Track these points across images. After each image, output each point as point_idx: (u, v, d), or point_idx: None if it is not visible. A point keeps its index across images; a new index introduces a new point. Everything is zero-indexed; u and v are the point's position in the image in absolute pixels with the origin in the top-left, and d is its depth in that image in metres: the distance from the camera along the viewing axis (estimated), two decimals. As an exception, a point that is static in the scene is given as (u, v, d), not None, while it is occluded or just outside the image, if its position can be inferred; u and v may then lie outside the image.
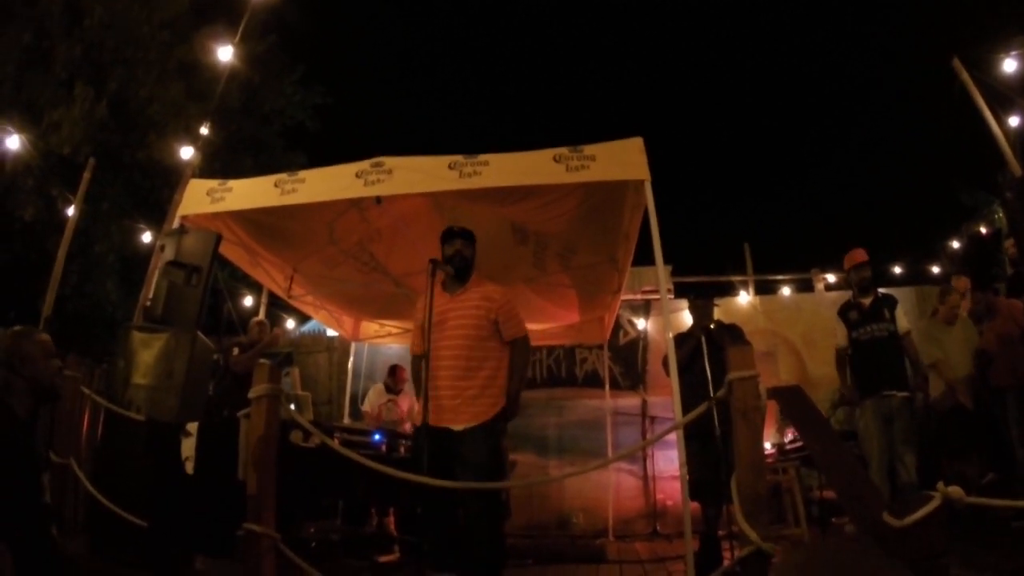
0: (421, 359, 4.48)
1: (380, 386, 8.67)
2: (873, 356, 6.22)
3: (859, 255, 6.53)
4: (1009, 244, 7.67)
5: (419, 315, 4.72)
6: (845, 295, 6.99)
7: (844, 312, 6.56)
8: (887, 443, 5.96)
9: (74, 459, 5.24)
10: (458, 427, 4.31)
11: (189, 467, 5.42)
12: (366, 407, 8.43)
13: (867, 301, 6.44)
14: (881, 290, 6.73)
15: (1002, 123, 8.72)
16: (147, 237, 11.80)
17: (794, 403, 3.53)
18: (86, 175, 10.01)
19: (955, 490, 2.71)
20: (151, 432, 5.15)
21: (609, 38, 39.86)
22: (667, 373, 5.30)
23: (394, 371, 8.70)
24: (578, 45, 40.38)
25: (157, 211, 12.10)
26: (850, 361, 6.43)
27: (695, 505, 5.44)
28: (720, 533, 5.67)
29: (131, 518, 4.69)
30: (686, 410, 4.72)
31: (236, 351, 7.48)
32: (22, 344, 3.05)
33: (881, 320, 6.30)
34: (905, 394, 6.07)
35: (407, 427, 7.77)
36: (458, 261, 4.69)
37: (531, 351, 4.67)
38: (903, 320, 6.35)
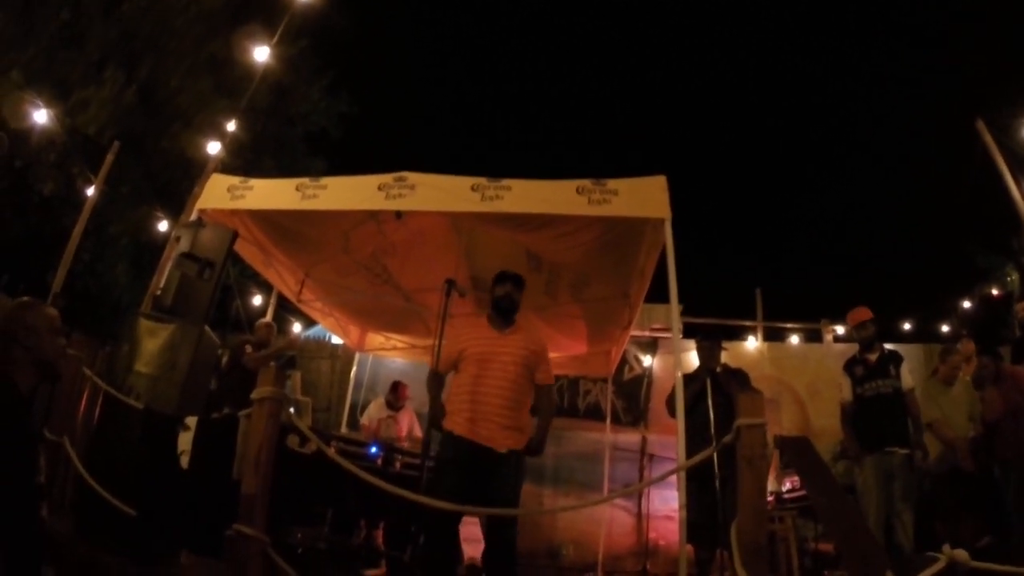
0: (441, 376, 4.87)
1: (381, 400, 8.58)
2: (876, 412, 6.16)
3: (862, 314, 6.52)
4: (1021, 307, 7.63)
5: (453, 346, 4.88)
6: (853, 348, 6.94)
7: (850, 367, 6.52)
8: (885, 500, 5.90)
9: (68, 438, 5.19)
10: (501, 449, 4.49)
11: (184, 461, 5.39)
12: (365, 420, 8.34)
13: (873, 357, 6.40)
14: (887, 346, 6.69)
15: (1021, 187, 8.71)
16: (162, 226, 11.84)
17: (800, 453, 3.48)
18: (109, 157, 10.08)
19: (960, 553, 2.68)
20: (148, 422, 5.13)
21: (641, 74, 40.07)
22: (671, 413, 5.27)
23: (396, 387, 8.60)
24: (611, 77, 40.59)
25: (175, 201, 12.14)
26: (853, 416, 6.37)
27: (689, 548, 5.38)
28: (712, 577, 5.62)
29: (120, 505, 4.65)
30: (687, 452, 4.70)
31: (249, 348, 7.45)
32: (28, 316, 2.94)
33: (886, 376, 6.25)
34: (907, 451, 6.00)
35: (404, 445, 7.71)
36: (507, 303, 4.88)
37: (552, 397, 5.00)
38: (908, 377, 6.31)
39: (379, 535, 7.04)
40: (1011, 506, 6.27)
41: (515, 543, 4.61)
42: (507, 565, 4.52)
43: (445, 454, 4.61)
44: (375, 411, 8.41)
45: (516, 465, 4.58)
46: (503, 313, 4.87)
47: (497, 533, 4.52)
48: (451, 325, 5.13)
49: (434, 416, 4.69)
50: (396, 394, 8.51)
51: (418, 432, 8.25)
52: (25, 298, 3.07)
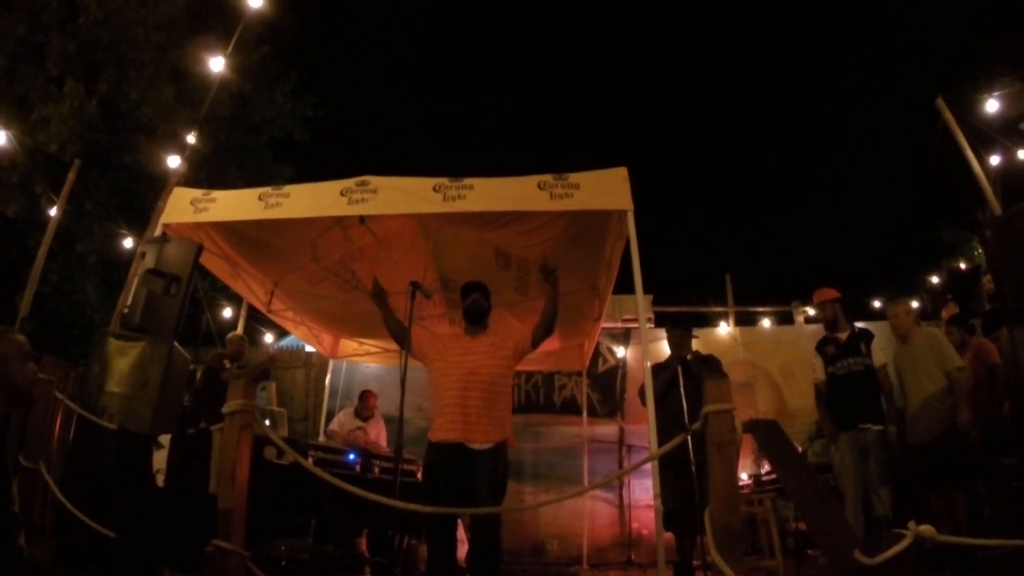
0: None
1: (350, 411, 8.50)
2: (849, 390, 6.22)
3: (824, 293, 6.60)
4: (987, 280, 7.75)
5: (436, 345, 5.01)
6: (824, 329, 7.02)
7: (821, 347, 6.59)
8: (862, 477, 5.95)
9: (44, 464, 5.15)
10: (477, 446, 4.56)
11: (160, 479, 5.37)
12: (335, 427, 8.24)
13: (843, 336, 6.46)
14: (858, 324, 6.77)
15: (983, 162, 8.85)
16: (129, 241, 11.72)
17: (769, 437, 3.52)
18: (71, 175, 9.95)
19: (927, 528, 2.71)
20: (123, 442, 5.10)
21: (598, 65, 40.13)
22: (643, 403, 5.32)
23: (364, 397, 8.54)
24: (567, 70, 40.60)
25: (141, 215, 12.02)
26: (827, 395, 6.44)
27: (669, 535, 5.43)
28: (694, 563, 5.67)
29: (98, 528, 4.63)
30: (661, 440, 4.74)
31: (228, 363, 7.41)
32: None
33: (857, 354, 6.31)
34: (880, 428, 6.05)
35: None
36: (475, 309, 4.97)
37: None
38: (879, 354, 6.35)
39: (362, 542, 7.05)
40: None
41: (499, 541, 4.64)
42: (490, 564, 4.54)
43: (427, 460, 4.70)
44: (345, 420, 8.33)
45: (494, 461, 4.61)
46: (473, 319, 4.97)
47: (479, 532, 4.56)
48: (429, 328, 5.19)
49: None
50: (364, 403, 8.45)
51: (384, 443, 8.23)
52: None
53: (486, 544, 4.54)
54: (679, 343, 6.18)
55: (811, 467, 5.81)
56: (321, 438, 7.79)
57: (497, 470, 4.61)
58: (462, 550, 4.94)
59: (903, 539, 2.71)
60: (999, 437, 6.59)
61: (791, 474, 3.41)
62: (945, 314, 7.68)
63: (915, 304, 7.21)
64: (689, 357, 6.08)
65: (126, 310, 6.19)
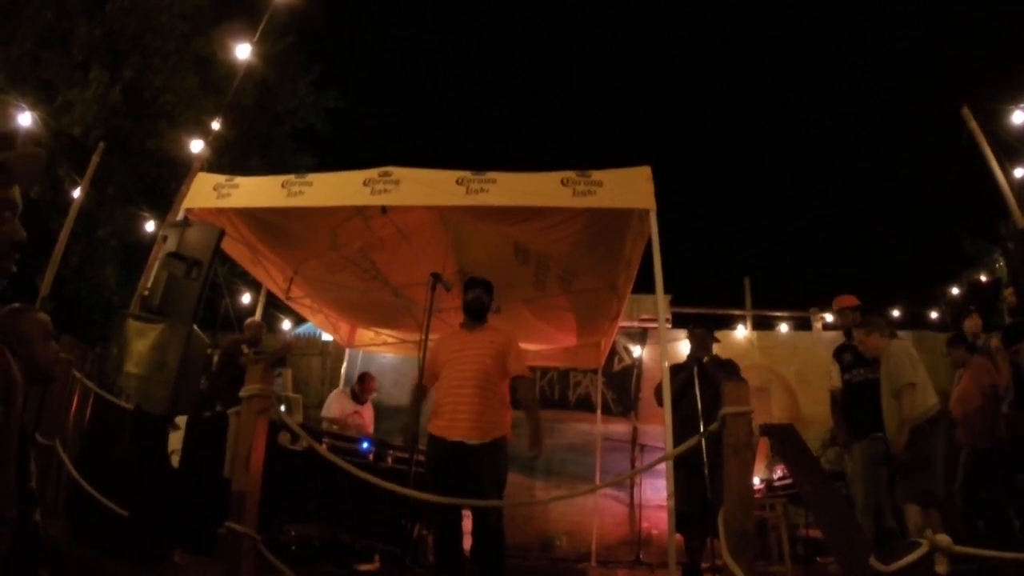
0: (425, 389, 5.10)
1: (342, 392, 8.49)
2: (864, 399, 6.15)
3: (845, 300, 6.59)
4: (1008, 293, 7.70)
5: (440, 356, 5.06)
6: (842, 335, 6.99)
7: (839, 353, 6.56)
8: (874, 486, 5.91)
9: (60, 442, 5.19)
10: (473, 442, 4.62)
11: (175, 460, 5.39)
12: (335, 414, 8.15)
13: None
14: None
15: (1007, 173, 8.77)
16: (150, 226, 11.79)
17: (786, 441, 3.52)
18: (95, 158, 10.03)
19: (943, 538, 2.70)
20: (139, 422, 5.13)
21: (624, 64, 40.03)
22: (658, 402, 5.30)
23: (364, 379, 8.49)
24: (592, 68, 40.52)
25: (162, 200, 12.10)
26: (842, 403, 6.40)
27: (679, 537, 5.42)
28: (703, 566, 5.65)
29: (112, 506, 4.66)
30: (676, 441, 4.73)
31: (245, 348, 7.44)
32: (19, 323, 2.93)
33: (874, 363, 6.25)
34: None
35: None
36: (476, 305, 5.04)
37: (534, 388, 5.26)
38: None
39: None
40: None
41: (502, 534, 4.67)
42: (494, 556, 4.60)
43: (429, 454, 4.80)
44: (338, 403, 8.27)
45: (493, 456, 4.68)
46: (473, 315, 5.05)
47: (482, 525, 4.62)
48: (437, 331, 5.24)
49: (406, 425, 5.02)
50: (363, 386, 8.40)
51: (371, 429, 8.24)
52: (16, 305, 3.05)
53: (489, 536, 4.61)
54: (699, 343, 6.15)
55: (826, 473, 5.76)
56: (335, 426, 7.78)
57: (496, 464, 4.69)
58: (467, 543, 4.96)
59: (919, 548, 2.70)
60: (993, 458, 6.57)
61: (807, 479, 3.40)
62: (968, 325, 7.63)
63: (881, 319, 7.09)
64: (706, 360, 6.06)
65: (146, 292, 6.23)
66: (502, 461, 4.78)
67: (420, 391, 5.09)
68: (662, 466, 4.99)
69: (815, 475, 3.42)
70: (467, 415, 4.67)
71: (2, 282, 1.74)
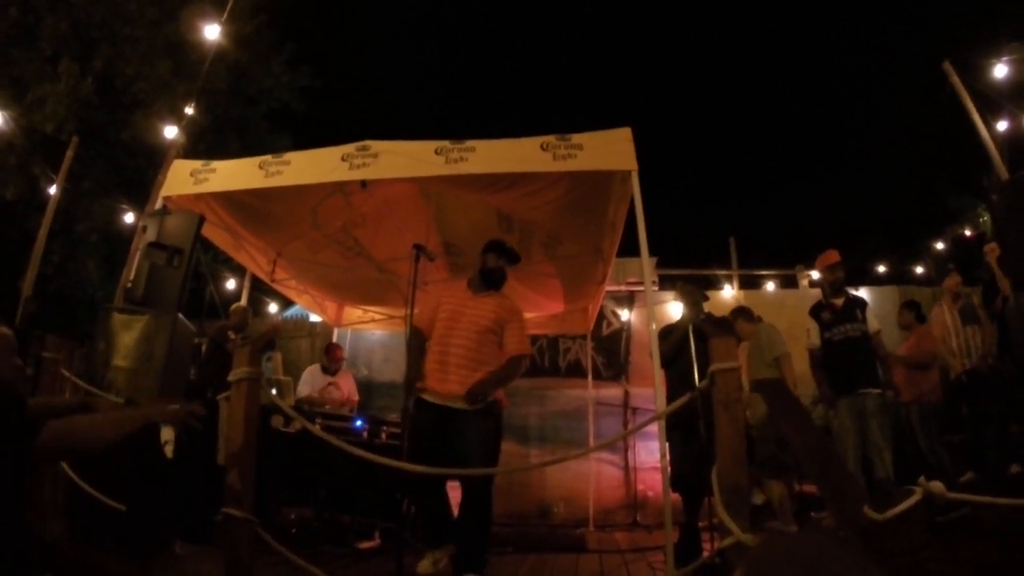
0: (422, 334, 4.86)
1: (316, 367, 8.34)
2: (847, 356, 6.29)
3: (832, 256, 6.61)
4: (990, 248, 7.76)
5: (431, 303, 4.95)
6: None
7: (816, 312, 6.63)
8: (861, 440, 6.03)
9: (52, 441, 5.16)
10: (463, 406, 4.51)
11: (169, 451, 5.38)
12: (307, 391, 8.04)
13: (839, 302, 6.52)
14: (851, 291, 6.81)
15: (990, 127, 8.79)
16: (130, 217, 11.72)
17: (776, 395, 3.51)
18: (69, 153, 9.92)
19: (936, 484, 2.72)
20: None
21: (602, 25, 39.76)
22: (663, 365, 5.31)
23: (330, 350, 8.40)
24: (570, 31, 40.27)
25: (141, 191, 11.98)
26: (823, 360, 6.49)
27: (676, 496, 5.45)
28: (700, 524, 5.69)
29: (109, 502, 4.65)
30: (671, 401, 4.74)
31: (232, 334, 7.40)
32: None
33: (853, 320, 6.37)
34: (879, 391, 6.15)
35: (346, 410, 7.67)
36: (497, 275, 4.93)
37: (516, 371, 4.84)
38: (873, 320, 6.46)
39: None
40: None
41: (488, 504, 4.58)
42: (478, 526, 4.52)
43: (416, 418, 4.64)
44: (312, 378, 8.15)
45: (484, 421, 4.58)
46: (487, 281, 4.89)
47: (469, 492, 4.53)
48: (428, 291, 5.13)
49: (409, 379, 4.64)
50: (331, 356, 8.29)
51: (356, 397, 8.21)
52: None
53: (474, 505, 4.52)
54: (691, 300, 6.14)
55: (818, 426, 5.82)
56: (327, 406, 7.76)
57: (486, 430, 4.59)
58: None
59: (913, 495, 2.71)
60: (933, 412, 7.39)
61: (798, 432, 3.40)
62: (949, 283, 7.83)
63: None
64: (702, 318, 6.04)
65: (129, 284, 6.18)
66: (493, 427, 4.76)
67: (417, 337, 4.84)
68: (655, 428, 4.99)
69: (806, 428, 3.41)
70: (457, 379, 4.56)
71: None
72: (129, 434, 3.02)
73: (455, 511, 4.61)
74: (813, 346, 6.55)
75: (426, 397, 4.60)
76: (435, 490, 4.60)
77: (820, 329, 6.51)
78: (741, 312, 7.30)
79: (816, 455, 3.34)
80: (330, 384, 8.04)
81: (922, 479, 2.75)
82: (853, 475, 5.38)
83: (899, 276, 12.96)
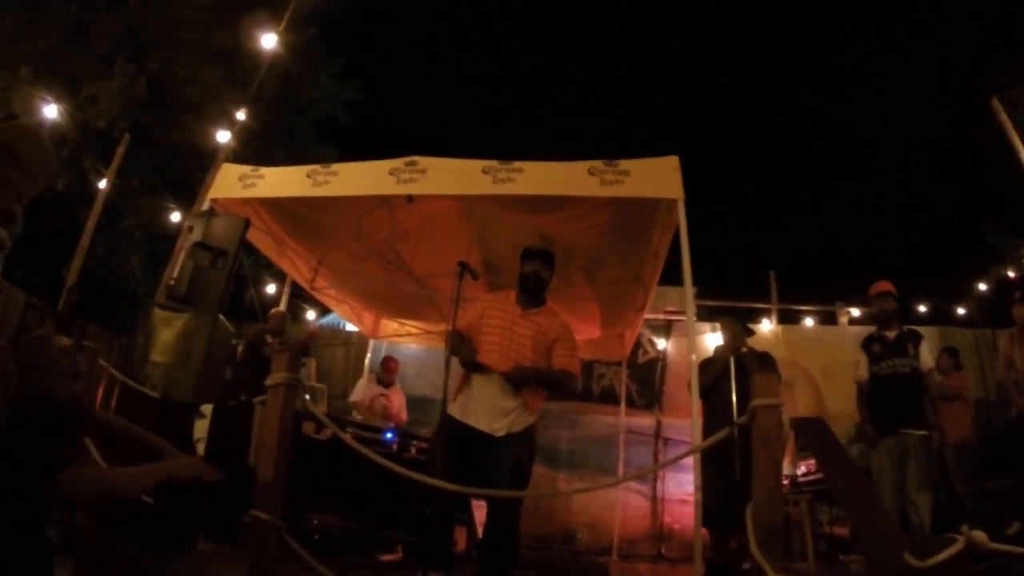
0: (460, 334, 4.65)
1: (370, 377, 8.51)
2: (893, 392, 6.02)
3: (883, 285, 6.39)
4: None
5: (475, 311, 4.79)
6: (869, 330, 6.90)
7: (867, 344, 6.38)
8: (899, 482, 5.78)
9: (85, 430, 5.22)
10: (497, 433, 4.37)
11: (200, 448, 5.43)
12: (356, 397, 8.21)
13: (891, 335, 6.26)
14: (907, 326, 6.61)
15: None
16: (175, 216, 11.89)
17: (817, 435, 3.45)
18: (120, 150, 10.11)
19: (979, 534, 2.65)
20: (164, 410, 5.16)
21: (652, 54, 39.81)
22: (700, 396, 5.24)
23: (386, 363, 8.52)
24: (620, 57, 40.36)
25: (187, 191, 12.18)
26: (869, 395, 6.22)
27: (704, 531, 5.36)
28: (729, 561, 5.60)
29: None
30: (706, 434, 4.67)
31: (270, 338, 7.47)
32: (40, 352, 2.76)
33: (903, 355, 6.10)
34: (923, 433, 5.86)
35: (379, 421, 7.69)
36: (533, 281, 4.70)
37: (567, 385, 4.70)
38: (927, 357, 6.19)
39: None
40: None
41: (514, 528, 4.44)
42: (503, 550, 4.40)
43: (444, 434, 4.54)
44: (366, 388, 8.31)
45: (518, 448, 4.42)
46: (529, 292, 4.71)
47: (495, 517, 4.41)
48: (475, 301, 5.04)
49: (466, 363, 4.50)
50: (386, 368, 8.42)
51: (404, 416, 8.26)
52: (39, 333, 2.92)
53: (502, 532, 4.40)
54: (733, 333, 6.05)
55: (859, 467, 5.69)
56: (358, 416, 7.81)
57: (519, 457, 4.44)
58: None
59: (955, 543, 2.64)
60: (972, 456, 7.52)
61: (839, 473, 3.33)
62: (1018, 313, 7.31)
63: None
64: (745, 351, 5.94)
65: (172, 281, 6.27)
66: (527, 454, 4.54)
67: (458, 335, 4.65)
68: (686, 460, 4.93)
69: (847, 468, 3.35)
70: (496, 404, 4.41)
71: None
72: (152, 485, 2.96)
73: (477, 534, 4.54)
74: (860, 379, 6.28)
75: (457, 416, 4.47)
76: (448, 510, 4.50)
77: (868, 362, 6.26)
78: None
79: (856, 497, 3.28)
80: (380, 395, 8.11)
81: (964, 528, 2.68)
82: (894, 520, 5.25)
83: (940, 316, 12.72)
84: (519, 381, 4.42)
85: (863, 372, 6.30)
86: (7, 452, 2.43)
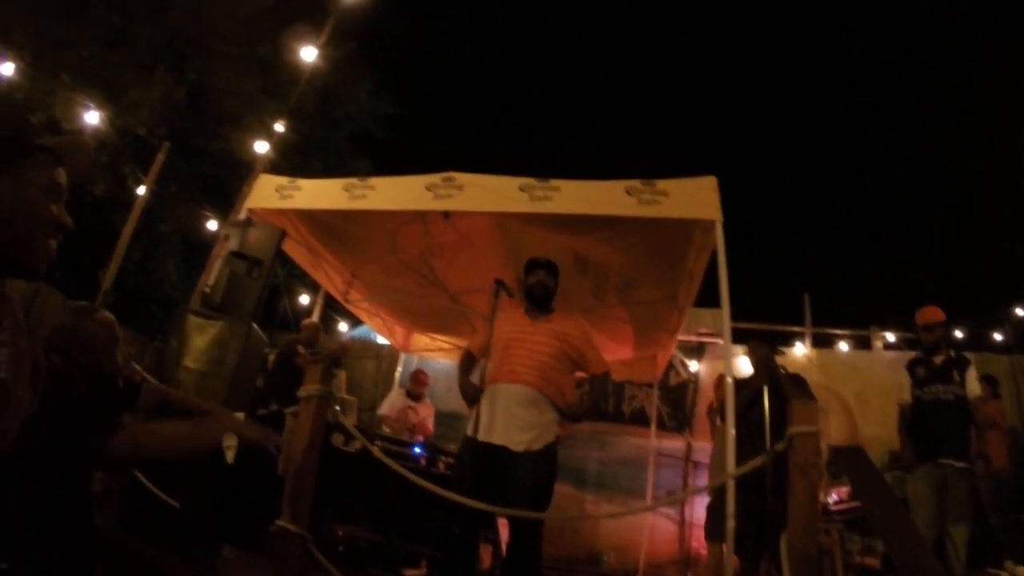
0: (473, 357, 4.69)
1: (401, 391, 8.49)
2: (934, 419, 5.80)
3: (933, 314, 6.10)
4: None
5: (486, 334, 4.68)
6: (904, 355, 6.76)
7: (912, 367, 6.13)
8: (937, 514, 5.57)
9: (115, 432, 5.27)
10: (517, 448, 4.26)
11: (230, 456, 5.44)
12: (386, 411, 8.19)
13: (938, 360, 6.02)
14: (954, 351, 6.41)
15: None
16: (211, 225, 12.03)
17: (856, 463, 3.39)
18: (160, 156, 10.27)
19: (1021, 570, 2.59)
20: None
21: (689, 73, 39.81)
22: (721, 418, 5.18)
23: (416, 376, 8.48)
24: (657, 77, 40.38)
25: (223, 200, 12.34)
26: (911, 420, 6.00)
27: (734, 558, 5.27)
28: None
29: (164, 497, 4.69)
30: (738, 459, 4.60)
31: (302, 349, 7.50)
32: (83, 327, 2.73)
33: (948, 382, 5.88)
34: (963, 464, 5.65)
35: (419, 437, 7.69)
36: (539, 290, 4.67)
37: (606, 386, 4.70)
38: (974, 384, 5.92)
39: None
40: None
41: (538, 547, 4.30)
42: (525, 570, 4.29)
43: (463, 455, 4.51)
44: (395, 400, 8.30)
45: (537, 467, 4.29)
46: (536, 301, 4.66)
47: (518, 536, 4.31)
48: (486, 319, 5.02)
49: (466, 395, 4.47)
50: (415, 380, 8.39)
51: (431, 426, 8.23)
52: (79, 303, 2.88)
53: (525, 552, 4.28)
54: (760, 358, 5.96)
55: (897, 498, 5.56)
56: (386, 429, 7.80)
57: (541, 475, 4.31)
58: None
59: (998, 579, 2.59)
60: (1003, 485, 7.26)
61: (878, 503, 3.28)
62: None
63: None
64: (781, 373, 5.81)
65: (207, 289, 6.32)
66: (549, 471, 4.39)
67: (468, 358, 4.70)
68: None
69: (885, 497, 3.29)
70: (516, 419, 4.31)
71: (43, 265, 1.73)
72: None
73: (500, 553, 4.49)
74: (904, 402, 6.05)
75: (475, 435, 4.33)
76: (470, 530, 4.40)
77: (912, 386, 6.04)
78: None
79: (894, 527, 3.21)
80: (408, 408, 8.10)
81: (1008, 563, 2.63)
82: (932, 552, 5.11)
83: (977, 342, 12.51)
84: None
85: (906, 395, 6.07)
86: (52, 439, 2.42)
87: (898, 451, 6.20)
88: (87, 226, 12.76)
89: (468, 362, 4.73)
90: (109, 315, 2.88)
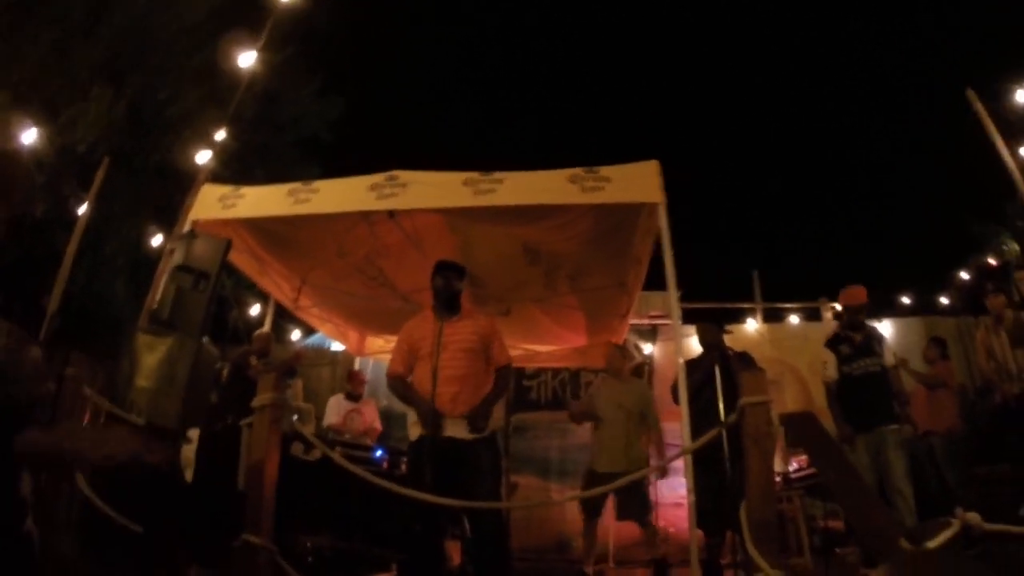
0: (401, 379, 4.85)
1: (340, 396, 8.41)
2: (867, 391, 6.18)
3: (859, 296, 6.49)
4: (1021, 276, 7.66)
5: (402, 347, 4.97)
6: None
7: (834, 344, 6.51)
8: (879, 478, 5.93)
9: (71, 459, 5.16)
10: (466, 437, 4.46)
11: (189, 474, 5.37)
12: (334, 420, 8.12)
13: (858, 336, 6.42)
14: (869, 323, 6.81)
15: (1014, 153, 8.71)
16: (157, 240, 11.81)
17: (806, 429, 3.46)
18: (100, 174, 10.04)
19: (973, 516, 2.67)
20: (151, 437, 5.10)
21: (628, 59, 40.00)
22: (674, 400, 5.26)
23: (352, 376, 8.47)
24: (597, 64, 40.47)
25: (169, 214, 12.08)
26: (839, 394, 6.36)
27: (699, 533, 5.37)
28: (723, 561, 5.61)
29: (125, 522, 4.63)
30: (694, 436, 4.68)
31: (254, 360, 7.42)
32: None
33: (872, 355, 6.29)
34: (897, 427, 6.07)
35: (367, 439, 7.67)
36: (446, 293, 4.85)
37: (514, 376, 4.88)
38: (889, 355, 6.39)
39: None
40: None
41: (501, 535, 4.58)
42: (494, 558, 4.44)
43: (413, 456, 4.65)
44: (337, 406, 8.23)
45: (486, 451, 4.56)
46: (444, 303, 4.85)
47: (479, 527, 4.49)
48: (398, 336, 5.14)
49: (424, 411, 4.55)
50: (353, 382, 8.38)
51: (379, 425, 8.24)
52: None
53: (490, 539, 4.48)
54: (706, 341, 6.11)
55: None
56: (347, 435, 7.75)
57: (491, 459, 4.61)
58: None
59: (951, 526, 2.66)
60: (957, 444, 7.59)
61: (831, 466, 3.35)
62: (993, 304, 7.48)
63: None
64: (730, 352, 5.99)
65: (155, 306, 6.21)
66: (495, 457, 4.75)
67: (400, 382, 4.89)
68: (678, 463, 4.93)
69: (838, 462, 3.37)
70: (458, 412, 4.52)
71: None
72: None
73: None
74: (830, 379, 6.41)
75: (422, 434, 4.52)
76: (433, 528, 4.50)
77: (838, 362, 6.38)
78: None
79: (848, 489, 3.29)
80: (353, 411, 8.04)
81: (959, 511, 2.70)
82: (887, 509, 5.27)
83: (924, 306, 12.80)
84: (480, 419, 4.54)
85: (832, 372, 6.43)
86: None
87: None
88: (28, 250, 12.47)
89: (402, 384, 4.88)
90: (36, 348, 2.82)
